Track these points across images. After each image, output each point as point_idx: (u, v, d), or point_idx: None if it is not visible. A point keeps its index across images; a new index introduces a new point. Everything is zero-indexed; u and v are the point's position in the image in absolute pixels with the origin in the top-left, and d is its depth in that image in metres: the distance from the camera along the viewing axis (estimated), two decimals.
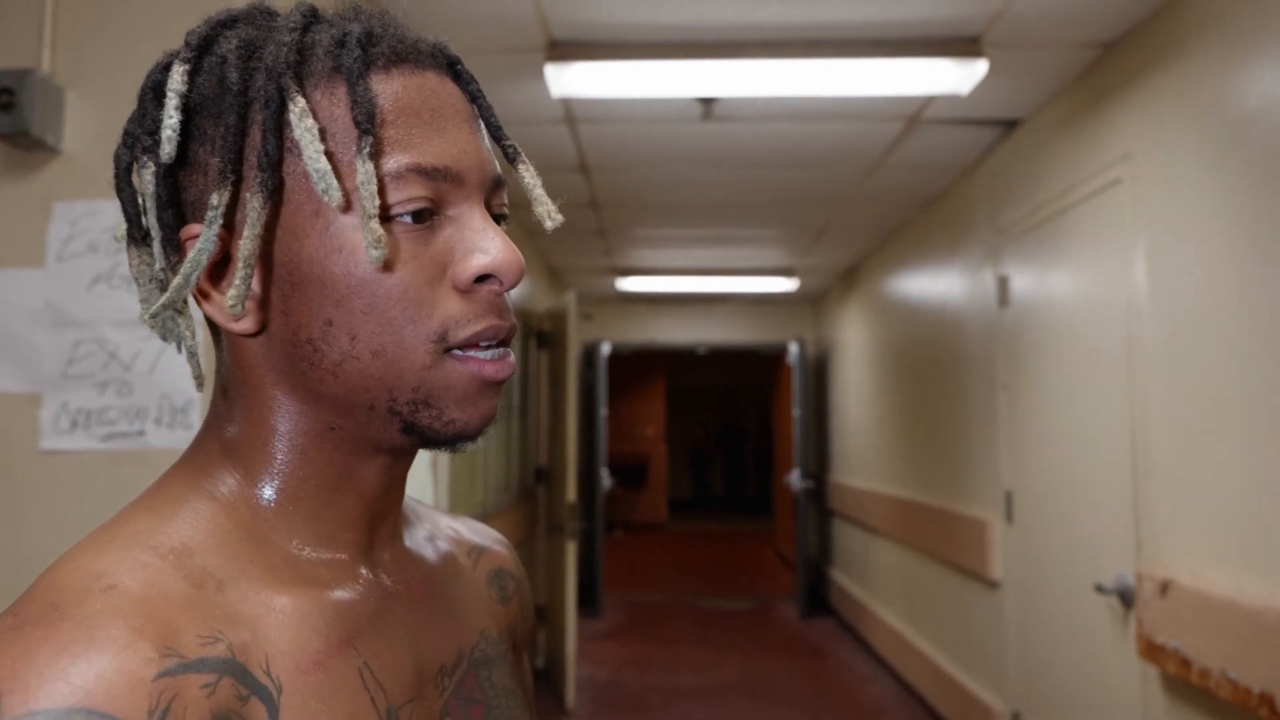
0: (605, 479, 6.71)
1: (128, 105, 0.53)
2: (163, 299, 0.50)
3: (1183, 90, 2.20)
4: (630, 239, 5.05)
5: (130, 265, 0.53)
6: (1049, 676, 2.98)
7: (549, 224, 0.54)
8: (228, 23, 0.52)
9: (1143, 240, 2.36)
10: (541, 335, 4.91)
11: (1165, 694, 2.24)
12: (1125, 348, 2.45)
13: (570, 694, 4.29)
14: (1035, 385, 3.06)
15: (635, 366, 10.61)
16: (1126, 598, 2.42)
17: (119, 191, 0.52)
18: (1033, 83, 2.78)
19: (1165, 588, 2.15)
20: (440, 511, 0.71)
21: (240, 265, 0.48)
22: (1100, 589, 2.50)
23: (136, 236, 0.53)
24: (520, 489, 4.60)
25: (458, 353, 0.50)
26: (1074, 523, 2.78)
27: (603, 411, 6.66)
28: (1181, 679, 2.10)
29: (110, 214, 1.76)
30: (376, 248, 0.47)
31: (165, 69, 0.51)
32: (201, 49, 0.50)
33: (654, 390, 11.58)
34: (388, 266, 0.49)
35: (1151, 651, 2.20)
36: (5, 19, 1.80)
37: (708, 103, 2.92)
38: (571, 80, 2.62)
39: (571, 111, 3.01)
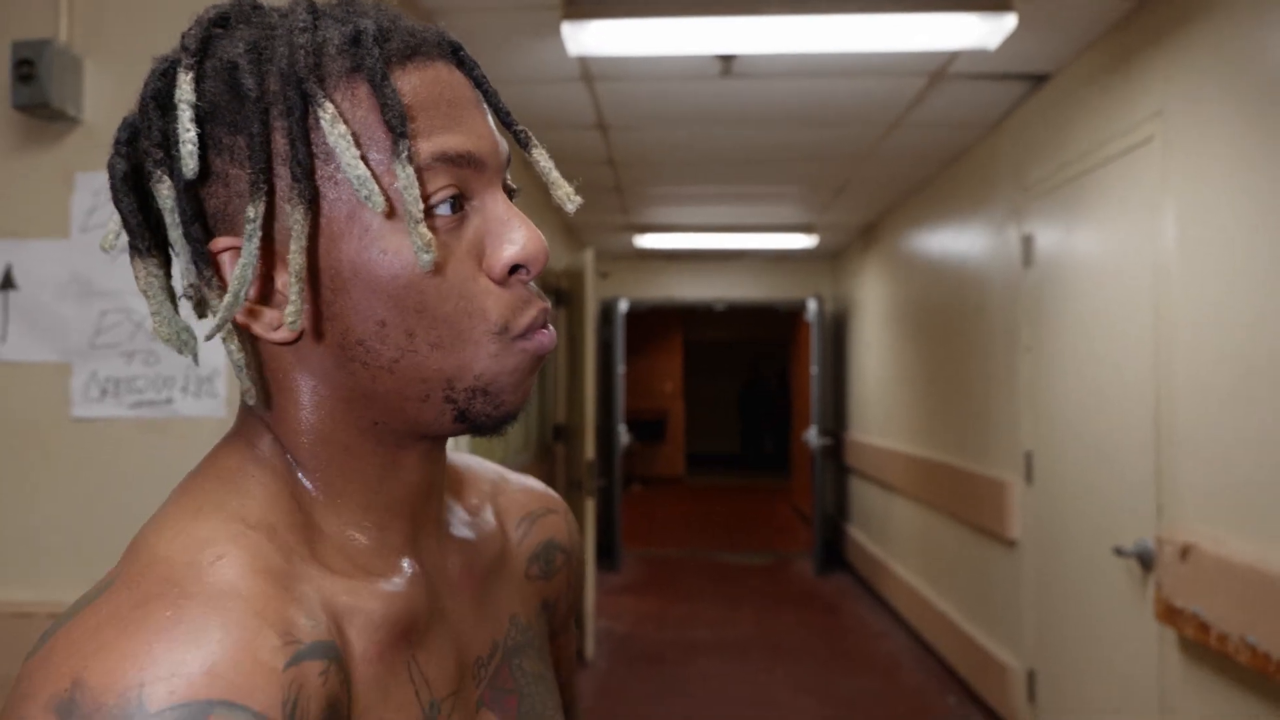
0: (623, 435, 6.75)
1: (146, 72, 0.51)
2: (216, 321, 0.48)
3: (1218, 45, 2.14)
4: (648, 196, 5.01)
5: (137, 279, 0.50)
6: (1065, 636, 3.01)
7: (569, 206, 0.55)
8: (221, 21, 0.50)
9: (1173, 200, 2.32)
10: (559, 293, 4.91)
11: (1182, 656, 2.26)
12: (1152, 310, 2.42)
13: (590, 647, 4.37)
14: (1059, 347, 3.04)
15: (653, 323, 10.60)
16: (1146, 561, 2.42)
17: (117, 203, 0.50)
18: (1062, 37, 2.71)
19: (1186, 552, 2.15)
20: (501, 467, 0.71)
21: (292, 279, 0.47)
22: (1119, 551, 2.50)
23: (141, 249, 0.50)
24: (539, 447, 4.63)
25: (520, 340, 0.52)
26: (1094, 485, 2.78)
27: (620, 368, 6.67)
28: (1199, 643, 2.11)
29: None
30: (427, 252, 0.47)
31: (163, 75, 0.49)
32: (201, 52, 0.49)
33: (672, 346, 11.58)
34: (436, 267, 0.49)
35: (1170, 615, 2.21)
36: None
37: (727, 59, 2.87)
38: (589, 38, 2.58)
39: (588, 69, 2.96)
